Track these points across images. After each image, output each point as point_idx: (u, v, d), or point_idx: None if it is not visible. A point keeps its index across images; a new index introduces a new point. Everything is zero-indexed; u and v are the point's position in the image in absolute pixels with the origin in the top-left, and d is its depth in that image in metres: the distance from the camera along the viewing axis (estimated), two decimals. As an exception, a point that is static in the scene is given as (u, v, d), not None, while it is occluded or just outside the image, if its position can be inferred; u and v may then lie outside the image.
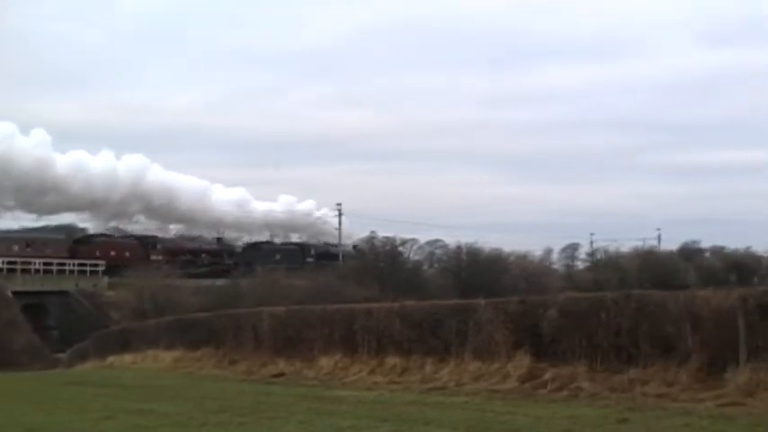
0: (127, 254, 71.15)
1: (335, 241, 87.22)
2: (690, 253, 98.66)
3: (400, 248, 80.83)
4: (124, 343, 32.08)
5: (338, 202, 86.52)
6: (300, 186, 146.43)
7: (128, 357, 29.93)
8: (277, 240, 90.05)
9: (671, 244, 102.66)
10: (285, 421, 12.33)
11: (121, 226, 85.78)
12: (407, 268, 75.37)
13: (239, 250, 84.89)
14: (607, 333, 14.29)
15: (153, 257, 71.80)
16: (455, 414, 12.27)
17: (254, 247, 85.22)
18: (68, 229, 77.70)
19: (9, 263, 62.66)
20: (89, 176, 77.66)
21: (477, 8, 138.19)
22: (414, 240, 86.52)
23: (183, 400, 16.20)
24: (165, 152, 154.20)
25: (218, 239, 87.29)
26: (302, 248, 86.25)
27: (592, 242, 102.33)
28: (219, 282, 65.65)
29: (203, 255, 79.32)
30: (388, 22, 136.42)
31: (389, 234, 79.85)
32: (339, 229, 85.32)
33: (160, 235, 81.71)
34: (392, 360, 17.98)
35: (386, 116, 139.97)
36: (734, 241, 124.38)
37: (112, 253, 70.42)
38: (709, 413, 11.00)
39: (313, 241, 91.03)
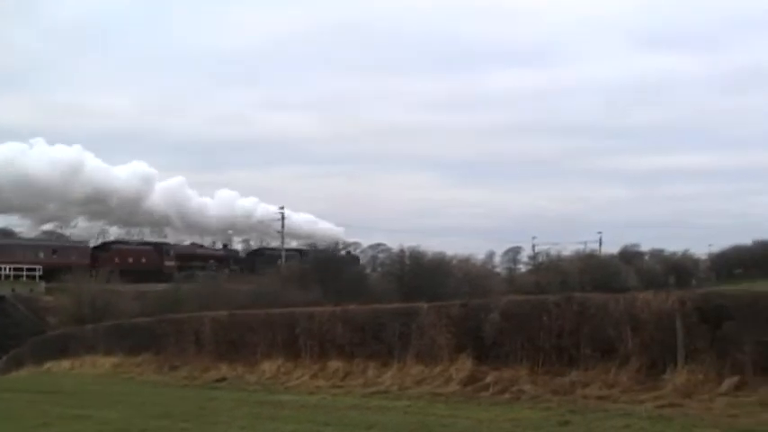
0: (143, 260, 74.02)
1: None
2: (630, 256, 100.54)
3: (342, 252, 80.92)
4: (62, 348, 31.49)
5: (280, 205, 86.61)
6: (238, 189, 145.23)
7: (65, 363, 29.39)
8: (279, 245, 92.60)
9: (611, 247, 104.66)
10: (227, 426, 12.25)
11: (58, 230, 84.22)
12: (350, 272, 75.35)
13: (243, 256, 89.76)
14: (549, 336, 14.38)
15: (167, 263, 75.64)
16: (397, 417, 12.27)
17: (256, 253, 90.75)
18: (4, 233, 76.03)
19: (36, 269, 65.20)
20: (23, 173, 74.93)
21: (416, 11, 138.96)
22: (356, 244, 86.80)
23: (122, 405, 15.93)
24: (97, 155, 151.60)
25: (224, 246, 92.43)
26: (302, 254, 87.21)
27: (534, 245, 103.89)
28: (160, 286, 65.22)
29: (212, 261, 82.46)
30: (324, 25, 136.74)
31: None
32: (282, 231, 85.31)
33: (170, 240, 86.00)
34: (335, 364, 17.91)
35: (325, 120, 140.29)
36: (672, 244, 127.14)
37: (130, 259, 72.50)
38: (648, 414, 11.13)
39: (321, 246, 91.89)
